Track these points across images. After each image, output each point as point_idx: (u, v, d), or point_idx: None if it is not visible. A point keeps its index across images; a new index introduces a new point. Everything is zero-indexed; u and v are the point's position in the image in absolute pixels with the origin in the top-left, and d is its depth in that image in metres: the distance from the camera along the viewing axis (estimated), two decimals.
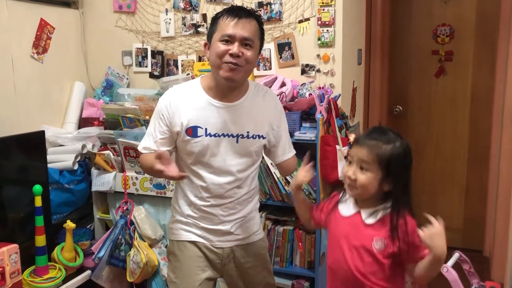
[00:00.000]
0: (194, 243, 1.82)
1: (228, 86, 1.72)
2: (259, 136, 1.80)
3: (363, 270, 1.51)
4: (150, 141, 1.79)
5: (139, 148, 1.83)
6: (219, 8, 2.79)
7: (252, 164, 1.82)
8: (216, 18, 1.72)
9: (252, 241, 1.90)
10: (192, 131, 1.72)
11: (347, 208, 1.59)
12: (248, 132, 1.77)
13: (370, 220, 1.52)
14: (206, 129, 1.73)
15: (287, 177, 2.37)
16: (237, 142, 1.76)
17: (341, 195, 1.64)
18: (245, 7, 1.75)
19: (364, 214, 1.54)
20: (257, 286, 1.94)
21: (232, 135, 1.75)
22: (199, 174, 1.77)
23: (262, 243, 1.96)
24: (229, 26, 1.66)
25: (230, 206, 1.81)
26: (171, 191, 2.51)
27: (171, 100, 1.76)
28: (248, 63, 1.69)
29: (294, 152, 1.96)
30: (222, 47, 1.66)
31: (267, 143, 1.84)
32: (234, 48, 1.65)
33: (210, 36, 1.73)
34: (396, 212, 1.49)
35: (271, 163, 2.41)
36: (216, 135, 1.73)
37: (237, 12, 1.68)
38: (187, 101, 1.75)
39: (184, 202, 1.83)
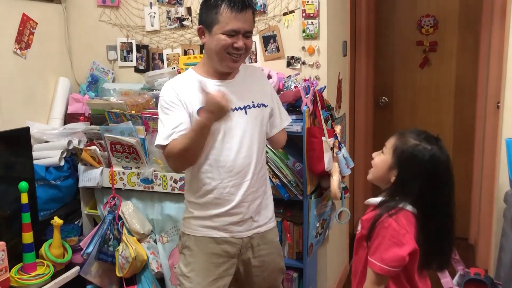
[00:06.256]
0: (213, 239, 1.86)
1: (229, 71, 1.84)
2: (263, 105, 1.90)
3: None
4: (170, 130, 1.74)
5: (160, 142, 1.75)
6: None
7: (259, 134, 1.88)
8: (214, 6, 1.72)
9: (268, 229, 1.97)
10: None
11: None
12: (253, 101, 1.87)
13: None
14: None
15: (274, 169, 2.39)
16: (246, 113, 1.84)
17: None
18: None
19: (371, 200, 1.61)
20: (271, 273, 2.00)
21: (240, 108, 1.83)
22: (217, 154, 1.80)
23: (275, 231, 2.05)
24: (233, 20, 1.71)
25: (250, 184, 1.84)
26: (158, 185, 2.51)
27: (176, 89, 1.79)
28: (248, 50, 1.81)
29: (290, 120, 2.08)
30: (227, 40, 1.72)
31: (271, 110, 1.94)
32: (240, 42, 1.74)
33: (208, 24, 1.75)
34: (383, 206, 1.52)
35: None
36: None
37: (238, 4, 1.71)
38: (190, 87, 1.79)
39: (203, 192, 1.84)
